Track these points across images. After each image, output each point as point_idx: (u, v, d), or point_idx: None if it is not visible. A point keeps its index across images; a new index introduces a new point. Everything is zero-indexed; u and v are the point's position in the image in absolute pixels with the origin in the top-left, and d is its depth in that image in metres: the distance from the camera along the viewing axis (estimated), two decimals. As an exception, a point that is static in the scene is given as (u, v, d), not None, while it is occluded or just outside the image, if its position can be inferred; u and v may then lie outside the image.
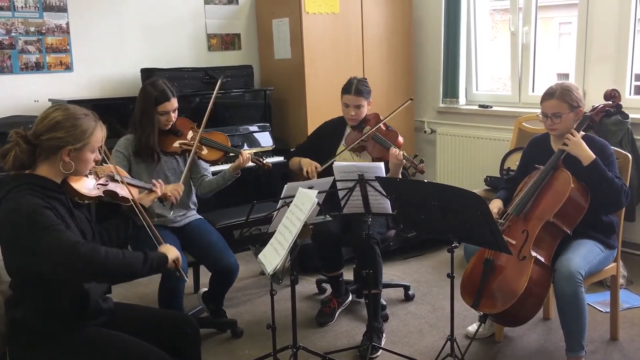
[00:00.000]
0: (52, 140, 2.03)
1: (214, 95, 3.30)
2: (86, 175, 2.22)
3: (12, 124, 3.73)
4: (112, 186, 2.33)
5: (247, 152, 3.24)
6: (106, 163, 2.32)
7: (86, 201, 2.20)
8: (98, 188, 2.26)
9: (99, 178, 2.29)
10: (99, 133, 2.14)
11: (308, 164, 3.37)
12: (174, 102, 3.13)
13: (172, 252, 2.24)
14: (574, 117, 2.80)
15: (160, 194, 2.64)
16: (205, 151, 3.22)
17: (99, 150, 2.16)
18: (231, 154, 3.26)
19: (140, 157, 3.09)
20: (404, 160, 3.16)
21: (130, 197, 2.34)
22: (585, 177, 2.72)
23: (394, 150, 3.18)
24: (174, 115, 3.14)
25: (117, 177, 2.36)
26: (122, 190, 2.36)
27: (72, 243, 1.91)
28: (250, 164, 3.25)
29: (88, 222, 2.20)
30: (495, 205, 2.91)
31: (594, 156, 2.70)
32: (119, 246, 2.22)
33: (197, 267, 3.69)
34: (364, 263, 3.12)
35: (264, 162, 3.30)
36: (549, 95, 2.82)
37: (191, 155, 3.15)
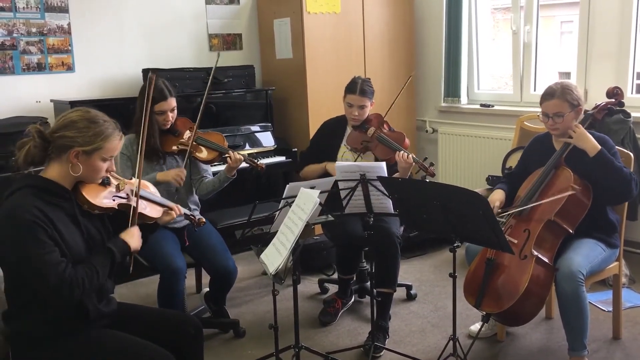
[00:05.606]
0: (62, 139, 2.00)
1: (209, 84, 3.29)
2: (104, 185, 2.14)
3: (13, 124, 3.74)
4: (132, 201, 2.21)
5: (239, 153, 3.18)
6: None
7: (96, 211, 2.10)
8: (114, 200, 2.16)
9: (119, 190, 2.19)
10: (115, 142, 2.08)
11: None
12: (171, 102, 3.11)
13: (135, 240, 2.17)
14: (574, 115, 2.79)
15: (176, 215, 2.45)
16: (200, 151, 3.20)
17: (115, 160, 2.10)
18: (227, 155, 3.22)
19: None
20: (414, 163, 3.15)
21: (153, 217, 2.28)
22: (593, 169, 2.70)
23: (402, 154, 3.15)
24: (171, 115, 3.14)
25: (143, 194, 2.27)
26: (144, 209, 2.26)
27: (54, 284, 1.87)
28: (244, 164, 3.21)
29: (99, 234, 2.14)
30: (497, 198, 2.89)
31: (600, 146, 2.69)
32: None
33: (198, 268, 3.69)
34: (383, 262, 3.13)
35: (258, 163, 3.25)
36: (549, 95, 2.80)
37: (187, 155, 3.14)
